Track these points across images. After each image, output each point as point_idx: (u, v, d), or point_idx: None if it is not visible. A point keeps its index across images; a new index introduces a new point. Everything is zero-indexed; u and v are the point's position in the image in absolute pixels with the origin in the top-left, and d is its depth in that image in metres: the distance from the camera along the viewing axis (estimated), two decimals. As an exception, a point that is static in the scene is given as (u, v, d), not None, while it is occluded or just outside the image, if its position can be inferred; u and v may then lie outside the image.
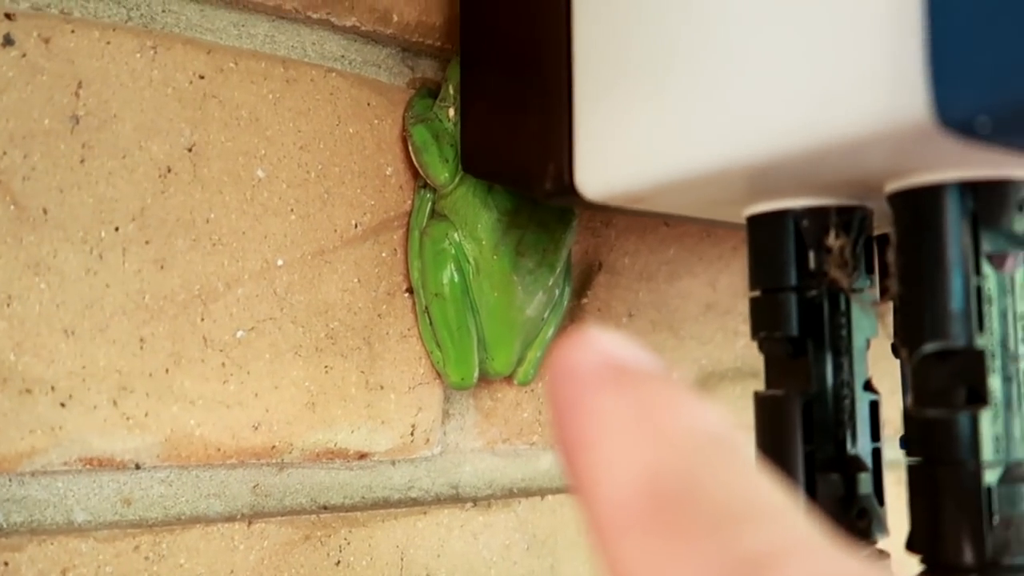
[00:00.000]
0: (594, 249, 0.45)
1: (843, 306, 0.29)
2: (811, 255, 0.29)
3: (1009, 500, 0.25)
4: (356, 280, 0.38)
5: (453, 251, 0.38)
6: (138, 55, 0.33)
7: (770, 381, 0.30)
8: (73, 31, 0.32)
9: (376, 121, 0.39)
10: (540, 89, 0.32)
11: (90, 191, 0.32)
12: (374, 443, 0.38)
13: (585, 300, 0.44)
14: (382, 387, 0.38)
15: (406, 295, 0.39)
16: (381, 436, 0.39)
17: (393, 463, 0.40)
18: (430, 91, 0.40)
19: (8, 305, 0.31)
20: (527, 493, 0.43)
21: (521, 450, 0.43)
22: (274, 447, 0.36)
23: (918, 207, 0.26)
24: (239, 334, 0.35)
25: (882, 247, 0.33)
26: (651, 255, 0.47)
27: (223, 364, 0.35)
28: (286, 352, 0.36)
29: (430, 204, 0.39)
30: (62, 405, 0.32)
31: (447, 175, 0.38)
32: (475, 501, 0.41)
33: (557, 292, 0.41)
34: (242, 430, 0.35)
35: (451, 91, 0.38)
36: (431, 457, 0.41)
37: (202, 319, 0.34)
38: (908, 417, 0.27)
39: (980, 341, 0.25)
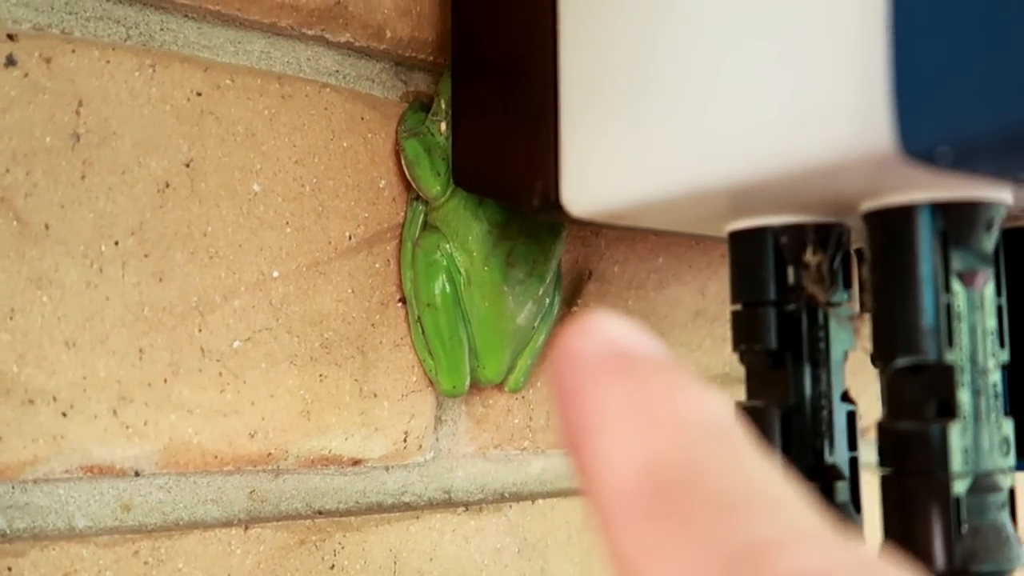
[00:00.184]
0: (584, 258, 0.46)
1: (821, 320, 0.30)
2: (790, 270, 0.30)
3: (978, 510, 0.26)
4: (350, 291, 0.39)
5: (445, 262, 0.39)
6: (137, 73, 0.34)
7: (750, 392, 0.31)
8: (74, 51, 0.33)
9: (370, 135, 0.39)
10: (528, 106, 0.33)
11: (90, 206, 0.33)
12: (368, 449, 0.39)
13: (575, 308, 0.45)
14: (375, 395, 0.39)
15: (399, 305, 0.40)
16: (375, 442, 0.39)
17: (387, 469, 0.40)
18: (423, 105, 0.40)
19: (11, 318, 0.32)
20: (518, 497, 0.44)
21: (512, 455, 0.44)
22: (270, 454, 0.37)
23: (891, 227, 0.27)
24: (236, 344, 0.36)
25: (861, 261, 0.34)
26: (640, 263, 0.48)
27: (220, 373, 0.36)
28: (282, 361, 0.37)
29: (423, 216, 0.40)
30: (63, 415, 0.32)
31: (439, 188, 0.38)
32: (467, 505, 0.42)
33: (547, 301, 0.42)
34: (239, 438, 0.36)
35: (443, 105, 0.39)
36: (424, 463, 0.41)
37: (200, 330, 0.35)
38: (881, 429, 0.28)
39: (950, 356, 0.26)
